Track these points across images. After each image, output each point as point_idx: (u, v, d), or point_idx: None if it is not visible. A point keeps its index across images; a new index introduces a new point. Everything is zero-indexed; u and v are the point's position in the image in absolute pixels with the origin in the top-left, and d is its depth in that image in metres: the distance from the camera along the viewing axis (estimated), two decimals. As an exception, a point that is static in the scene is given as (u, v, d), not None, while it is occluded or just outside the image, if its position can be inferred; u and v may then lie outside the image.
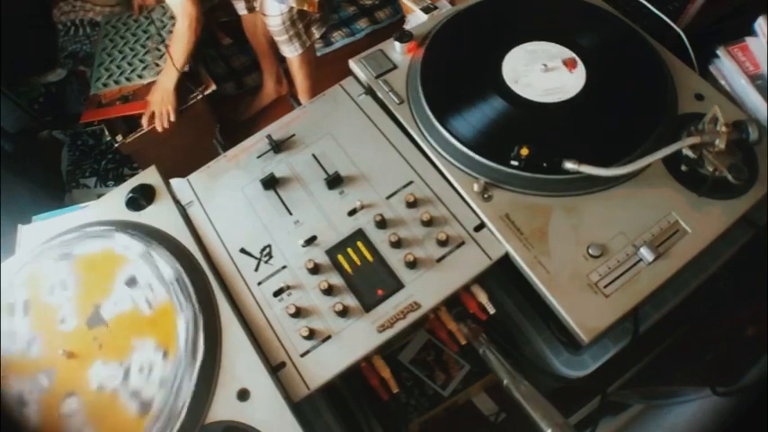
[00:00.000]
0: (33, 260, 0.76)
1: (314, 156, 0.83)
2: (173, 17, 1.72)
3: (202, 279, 0.72)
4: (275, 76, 1.91)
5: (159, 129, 1.55)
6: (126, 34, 1.74)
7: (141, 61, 1.66)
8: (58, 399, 0.66)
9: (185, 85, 1.60)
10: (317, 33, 1.63)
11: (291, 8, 1.47)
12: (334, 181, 0.79)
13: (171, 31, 1.67)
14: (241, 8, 1.65)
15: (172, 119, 1.54)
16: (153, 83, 1.59)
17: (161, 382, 0.65)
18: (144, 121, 1.55)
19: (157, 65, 1.63)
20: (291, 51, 1.61)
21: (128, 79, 1.63)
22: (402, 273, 0.71)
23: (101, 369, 0.67)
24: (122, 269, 0.73)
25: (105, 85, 1.64)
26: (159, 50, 1.66)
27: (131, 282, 0.72)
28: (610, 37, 0.88)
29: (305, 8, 1.46)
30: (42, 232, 0.80)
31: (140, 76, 1.62)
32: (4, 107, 1.79)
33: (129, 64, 1.66)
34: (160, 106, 1.53)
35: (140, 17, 1.78)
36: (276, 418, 0.62)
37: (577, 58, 0.83)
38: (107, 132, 1.61)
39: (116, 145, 1.57)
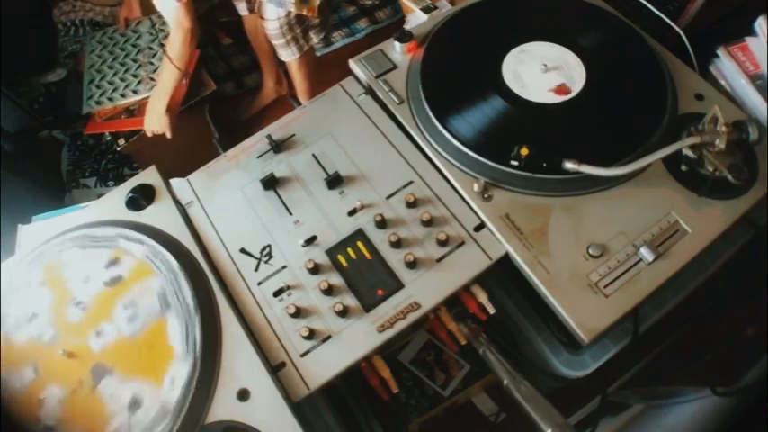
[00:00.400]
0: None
1: (314, 156, 0.83)
2: (162, 29, 1.70)
3: (202, 279, 0.72)
4: (275, 77, 1.91)
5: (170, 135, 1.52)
6: (114, 49, 1.69)
7: (135, 76, 1.62)
8: (90, 389, 0.66)
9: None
10: (315, 38, 1.62)
11: (289, 13, 1.47)
12: (334, 181, 0.79)
13: (162, 44, 1.62)
14: (243, 9, 1.65)
15: (175, 128, 1.49)
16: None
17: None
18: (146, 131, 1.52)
19: (152, 79, 1.59)
20: (288, 55, 1.61)
21: (122, 95, 1.59)
22: (402, 273, 0.71)
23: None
24: (126, 291, 0.73)
25: (99, 103, 1.60)
26: (152, 64, 1.63)
27: (129, 305, 0.72)
28: (610, 37, 0.88)
29: (304, 13, 1.46)
30: (42, 232, 0.80)
31: (135, 92, 1.58)
32: (4, 107, 1.79)
33: (122, 80, 1.62)
34: (156, 130, 1.48)
35: (128, 31, 1.73)
36: (276, 418, 0.62)
37: (567, 84, 0.81)
38: (108, 134, 1.60)
39: (118, 149, 1.57)
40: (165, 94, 1.40)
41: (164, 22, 1.69)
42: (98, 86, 1.64)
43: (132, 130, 1.57)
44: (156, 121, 1.45)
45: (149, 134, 1.49)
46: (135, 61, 1.66)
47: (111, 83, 1.64)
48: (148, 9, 1.68)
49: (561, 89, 0.80)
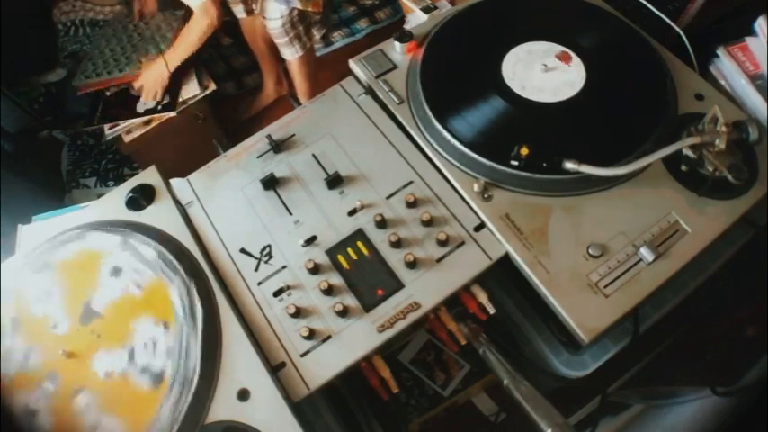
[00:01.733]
0: (13, 278, 0.76)
1: (314, 156, 0.83)
2: (169, 24, 1.73)
3: (202, 279, 0.72)
4: (275, 77, 1.91)
5: (144, 99, 1.59)
6: (122, 36, 1.76)
7: (127, 58, 1.68)
8: (68, 398, 0.66)
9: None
10: (317, 35, 1.63)
11: (292, 10, 1.47)
12: (334, 181, 0.79)
13: (164, 36, 1.71)
14: (239, 11, 1.65)
15: (158, 98, 1.58)
16: (132, 76, 1.62)
17: (168, 352, 0.66)
18: (135, 85, 1.59)
19: (141, 62, 1.64)
20: (292, 54, 1.61)
21: (109, 72, 1.66)
22: (402, 273, 0.71)
23: (105, 357, 0.68)
24: (103, 263, 0.74)
25: (87, 77, 1.67)
26: (148, 51, 1.67)
27: (115, 271, 0.73)
28: (610, 37, 0.88)
29: (309, 9, 1.46)
30: (42, 232, 0.80)
31: (121, 71, 1.65)
32: (4, 107, 1.79)
33: (115, 60, 1.69)
34: (153, 83, 1.56)
35: (140, 23, 1.79)
36: (276, 418, 0.62)
37: (570, 52, 0.83)
38: (108, 129, 1.61)
39: (107, 134, 1.59)
40: (173, 64, 1.51)
41: (175, 19, 1.72)
42: (93, 63, 1.70)
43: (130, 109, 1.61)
44: (156, 77, 1.54)
45: (146, 86, 1.56)
46: (134, 47, 1.69)
47: (105, 61, 1.69)
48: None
49: (565, 57, 0.81)
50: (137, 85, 1.59)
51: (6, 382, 0.68)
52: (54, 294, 0.73)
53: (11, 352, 0.70)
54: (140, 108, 1.61)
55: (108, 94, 1.65)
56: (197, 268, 0.73)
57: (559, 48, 0.84)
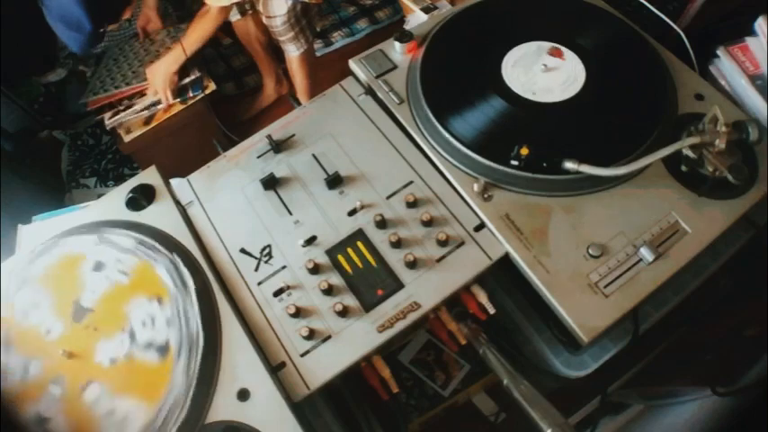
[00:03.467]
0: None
1: (314, 156, 0.83)
2: (174, 37, 1.73)
3: (202, 279, 0.72)
4: (275, 77, 1.91)
5: (165, 104, 1.59)
6: (128, 53, 1.78)
7: (134, 72, 1.68)
8: (77, 396, 0.66)
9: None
10: (318, 27, 1.63)
11: (296, 5, 1.47)
12: (334, 181, 0.79)
13: (169, 48, 1.70)
14: (233, 14, 1.65)
15: (170, 101, 1.57)
16: (137, 87, 1.61)
17: (168, 323, 0.67)
18: (149, 93, 1.58)
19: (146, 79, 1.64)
20: (297, 48, 1.61)
21: (116, 87, 1.66)
22: (402, 273, 0.71)
23: (106, 346, 0.68)
24: (84, 262, 0.74)
25: (95, 93, 1.67)
26: (153, 63, 1.67)
27: (98, 266, 0.74)
28: (610, 37, 0.88)
29: (312, 0, 1.47)
30: (42, 232, 0.80)
31: (128, 84, 1.65)
32: (4, 107, 1.79)
33: (122, 75, 1.69)
34: (162, 88, 1.55)
35: (145, 40, 1.80)
36: (276, 418, 0.62)
37: (562, 48, 0.83)
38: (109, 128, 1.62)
39: (107, 123, 1.59)
40: (175, 61, 1.52)
41: (180, 31, 1.73)
42: (101, 81, 1.70)
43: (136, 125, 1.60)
44: (164, 80, 1.54)
45: (158, 91, 1.55)
46: (140, 61, 1.70)
47: (112, 78, 1.69)
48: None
49: (556, 52, 0.82)
50: (149, 91, 1.58)
51: (11, 397, 0.67)
52: (41, 304, 0.73)
53: (8, 369, 0.69)
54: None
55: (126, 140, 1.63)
56: (197, 269, 0.73)
57: (550, 44, 0.84)
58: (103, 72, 1.73)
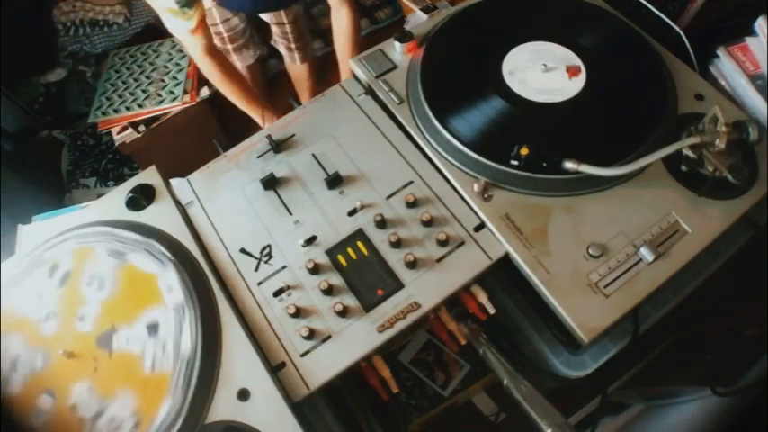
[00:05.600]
0: (90, 237, 0.77)
1: (314, 156, 0.83)
2: (180, 50, 1.73)
3: (202, 279, 0.72)
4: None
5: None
6: (132, 66, 1.76)
7: (144, 92, 1.68)
8: (36, 392, 0.66)
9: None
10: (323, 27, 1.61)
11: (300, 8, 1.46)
12: (334, 181, 0.79)
13: (177, 63, 1.70)
14: (248, 57, 1.60)
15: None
16: (154, 110, 1.61)
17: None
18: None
19: (159, 95, 1.64)
20: (313, 51, 1.59)
21: (128, 108, 1.65)
22: (402, 273, 0.71)
23: (83, 392, 0.66)
24: (153, 308, 0.70)
25: (104, 113, 1.66)
26: (163, 82, 1.67)
27: (152, 329, 0.69)
28: (610, 37, 0.88)
29: None
30: (42, 232, 0.80)
31: (141, 106, 1.64)
32: (4, 107, 1.79)
33: (132, 94, 1.68)
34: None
35: (148, 50, 1.80)
36: (276, 418, 0.62)
37: (582, 66, 0.82)
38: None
39: (115, 139, 1.57)
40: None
41: (179, 50, 1.72)
42: (108, 98, 1.69)
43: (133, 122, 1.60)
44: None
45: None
46: (148, 78, 1.70)
47: (120, 96, 1.69)
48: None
49: (573, 70, 0.81)
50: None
51: (19, 322, 0.69)
52: (105, 289, 0.73)
53: (43, 298, 0.72)
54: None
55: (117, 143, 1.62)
56: (197, 268, 0.73)
57: (570, 56, 0.84)
58: (108, 87, 1.71)
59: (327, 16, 1.62)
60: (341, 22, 1.28)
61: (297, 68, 1.69)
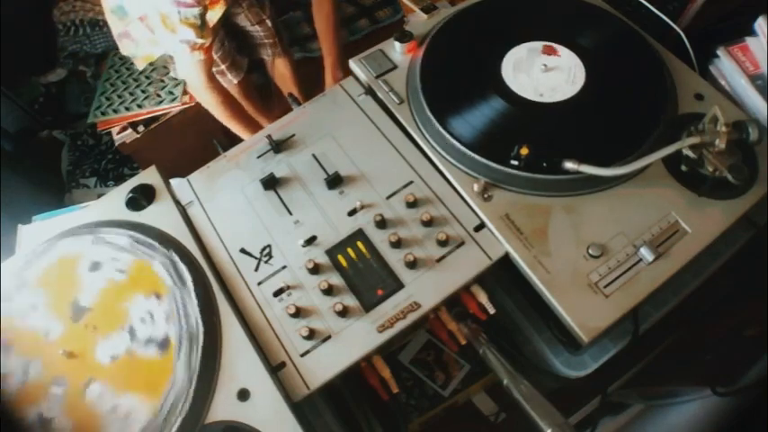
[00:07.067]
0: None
1: (314, 156, 0.83)
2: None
3: (202, 279, 0.72)
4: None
5: None
6: (132, 66, 1.75)
7: (143, 92, 1.67)
8: (79, 394, 0.66)
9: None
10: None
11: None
12: (334, 181, 0.79)
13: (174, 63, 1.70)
14: (266, 54, 1.64)
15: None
16: (153, 110, 1.61)
17: (167, 318, 0.68)
18: None
19: (159, 95, 1.63)
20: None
21: (127, 108, 1.64)
22: (402, 273, 0.71)
23: (106, 344, 0.68)
24: (80, 263, 0.74)
25: (104, 113, 1.65)
26: (163, 82, 1.67)
27: (94, 266, 0.74)
28: (610, 37, 0.88)
29: None
30: (42, 232, 0.80)
31: (140, 106, 1.63)
32: (4, 107, 1.79)
33: (131, 94, 1.67)
34: None
35: None
36: (276, 418, 0.62)
37: (554, 45, 0.83)
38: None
39: (115, 139, 1.57)
40: None
41: None
42: (107, 98, 1.68)
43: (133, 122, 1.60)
44: None
45: None
46: (148, 78, 1.69)
47: (120, 96, 1.68)
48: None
49: (550, 49, 0.82)
50: None
51: (11, 400, 0.67)
52: (38, 306, 0.73)
53: (8, 372, 0.69)
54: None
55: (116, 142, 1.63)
56: (197, 268, 0.73)
57: (543, 43, 0.84)
58: (108, 87, 1.71)
59: (303, 23, 1.64)
60: (323, 9, 1.39)
61: (281, 65, 1.70)
